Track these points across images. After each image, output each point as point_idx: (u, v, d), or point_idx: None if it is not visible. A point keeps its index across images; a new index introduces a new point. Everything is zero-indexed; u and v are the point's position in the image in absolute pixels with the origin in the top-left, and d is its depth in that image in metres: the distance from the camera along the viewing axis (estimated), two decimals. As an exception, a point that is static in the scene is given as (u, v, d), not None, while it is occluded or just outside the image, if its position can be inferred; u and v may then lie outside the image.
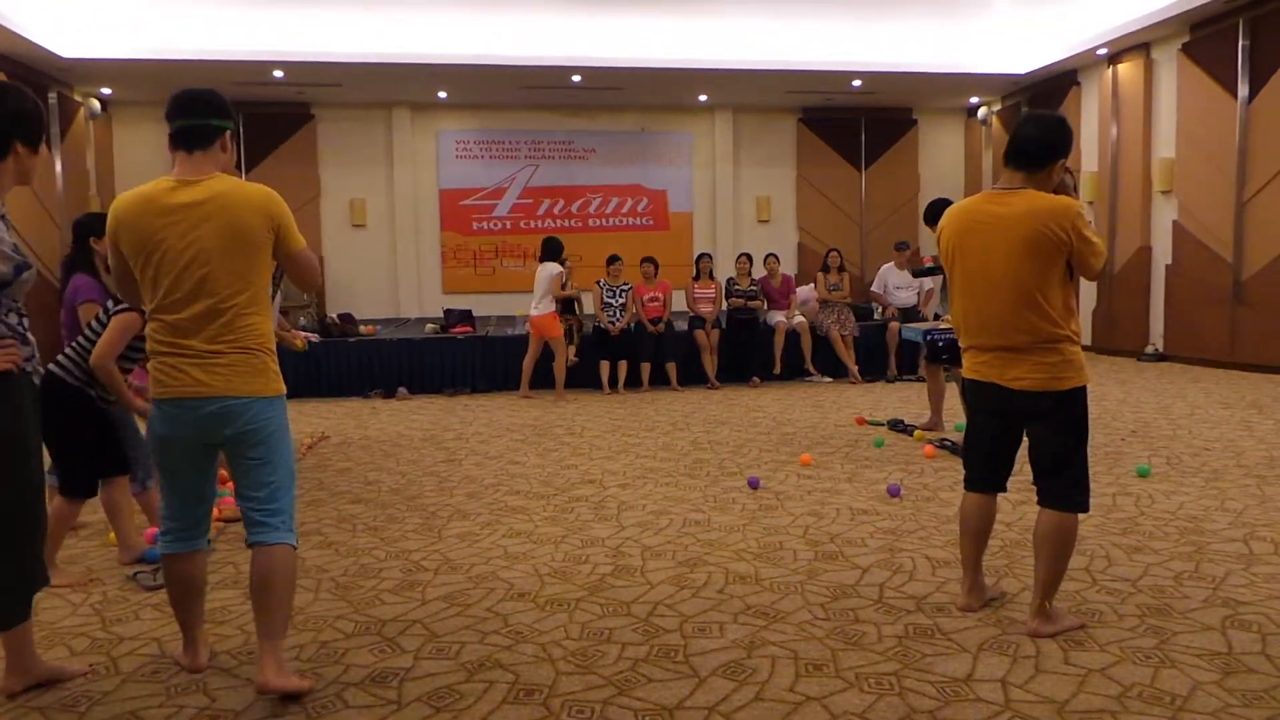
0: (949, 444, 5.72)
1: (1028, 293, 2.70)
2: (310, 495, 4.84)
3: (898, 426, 6.52)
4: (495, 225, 13.47)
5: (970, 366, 2.90)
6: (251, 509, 2.49)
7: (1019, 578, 3.27)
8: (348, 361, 9.11)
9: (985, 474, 2.96)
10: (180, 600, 2.65)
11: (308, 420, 7.46)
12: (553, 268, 8.59)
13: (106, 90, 11.72)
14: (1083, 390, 2.78)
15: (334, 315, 10.25)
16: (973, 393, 2.92)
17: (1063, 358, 2.73)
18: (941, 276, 6.51)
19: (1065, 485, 2.79)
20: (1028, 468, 2.90)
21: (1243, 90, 9.34)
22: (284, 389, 2.53)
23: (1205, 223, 9.89)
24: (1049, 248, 2.67)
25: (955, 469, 4.94)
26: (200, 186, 2.42)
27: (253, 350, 2.45)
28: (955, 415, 6.23)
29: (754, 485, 4.75)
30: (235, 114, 12.47)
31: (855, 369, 9.42)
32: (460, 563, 3.61)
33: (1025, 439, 2.89)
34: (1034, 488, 2.87)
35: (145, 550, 3.66)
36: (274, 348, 2.52)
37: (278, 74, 11.12)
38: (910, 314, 9.56)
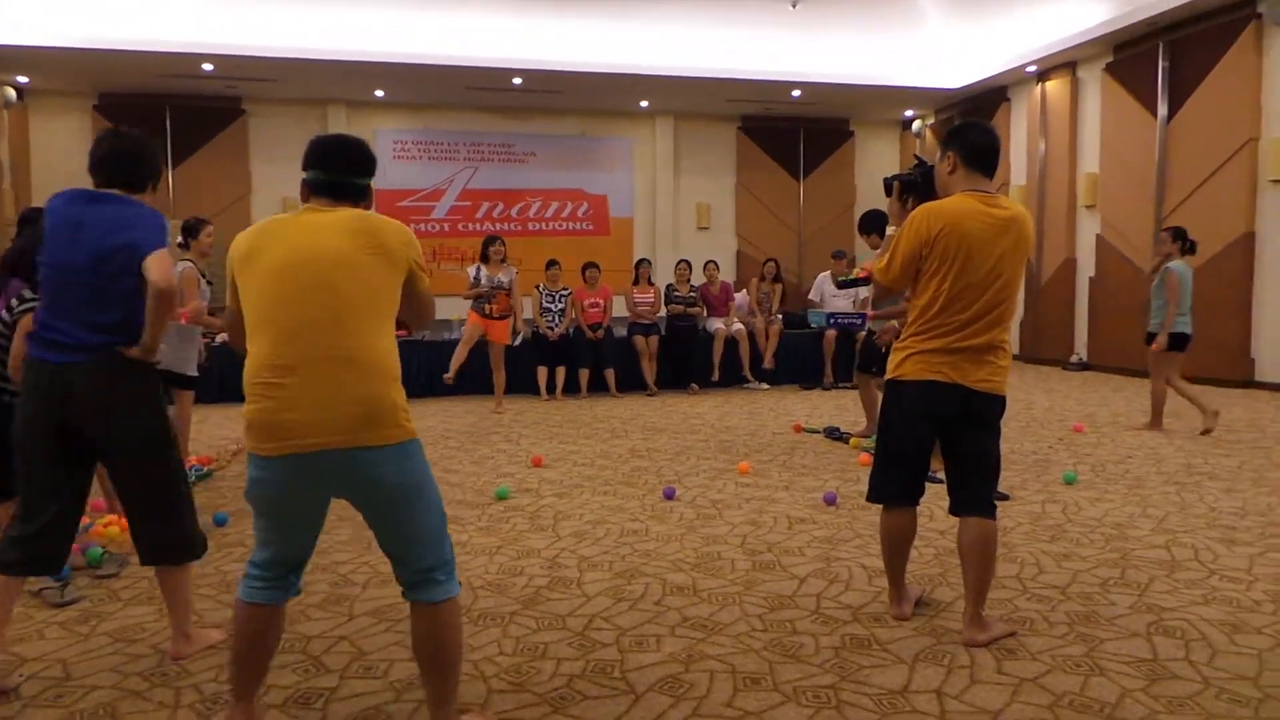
0: (884, 452, 5.78)
1: (1012, 295, 2.83)
2: (234, 504, 4.65)
3: (833, 434, 6.58)
4: (433, 227, 13.26)
5: (925, 367, 2.81)
6: (406, 571, 2.15)
7: (953, 586, 3.30)
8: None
9: (912, 486, 2.96)
10: (249, 659, 2.22)
11: (232, 425, 7.20)
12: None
13: (23, 78, 11.21)
14: None
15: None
16: (919, 397, 2.83)
17: (1008, 361, 2.87)
18: (869, 287, 6.41)
19: (991, 491, 2.90)
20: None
21: (1162, 109, 9.70)
22: (414, 430, 2.12)
23: (1127, 237, 10.24)
24: (1026, 253, 2.84)
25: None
26: (336, 211, 2.15)
27: (382, 378, 2.05)
28: (890, 423, 6.30)
29: (669, 496, 4.73)
30: (166, 110, 11.87)
31: (767, 358, 9.78)
32: (389, 576, 3.46)
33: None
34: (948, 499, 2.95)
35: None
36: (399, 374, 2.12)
37: (207, 67, 10.78)
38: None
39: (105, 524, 4.00)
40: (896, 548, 2.99)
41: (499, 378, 8.21)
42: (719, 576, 3.45)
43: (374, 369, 2.04)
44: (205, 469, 5.39)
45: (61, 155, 11.27)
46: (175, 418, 5.45)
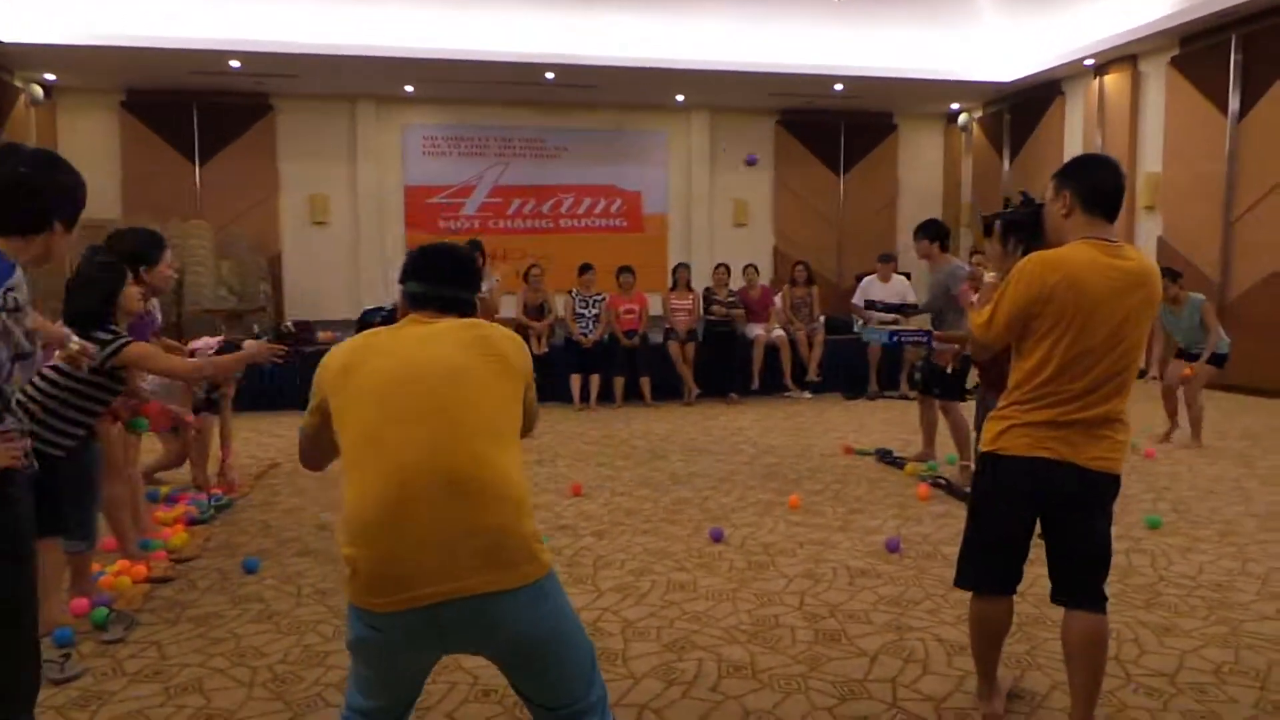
0: (944, 482, 5.41)
1: (1136, 361, 2.43)
2: (255, 544, 4.39)
3: (886, 458, 6.20)
4: (463, 224, 12.96)
5: (1031, 442, 2.41)
6: (548, 717, 1.90)
7: (1045, 672, 2.93)
8: (303, 373, 8.57)
9: (1011, 573, 2.55)
10: None
11: (259, 442, 6.97)
12: None
13: (50, 76, 11.05)
14: None
15: (289, 323, 9.70)
16: (1022, 476, 2.43)
17: (1127, 435, 2.47)
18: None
19: (1103, 581, 2.50)
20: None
21: (1233, 106, 9.14)
22: (550, 560, 1.84)
23: (1191, 241, 9.69)
24: (1154, 314, 2.47)
25: (955, 516, 4.62)
26: (443, 321, 1.97)
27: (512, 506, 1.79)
28: (947, 445, 5.91)
29: (717, 538, 4.38)
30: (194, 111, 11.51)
31: (812, 369, 9.33)
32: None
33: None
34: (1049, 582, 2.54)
35: (56, 629, 3.16)
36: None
37: (234, 64, 10.54)
38: (893, 329, 9.25)
39: (115, 572, 3.74)
40: (990, 640, 2.61)
41: None
42: (780, 652, 3.11)
43: (501, 496, 1.77)
44: (225, 497, 5.13)
45: (89, 153, 11.06)
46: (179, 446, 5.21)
